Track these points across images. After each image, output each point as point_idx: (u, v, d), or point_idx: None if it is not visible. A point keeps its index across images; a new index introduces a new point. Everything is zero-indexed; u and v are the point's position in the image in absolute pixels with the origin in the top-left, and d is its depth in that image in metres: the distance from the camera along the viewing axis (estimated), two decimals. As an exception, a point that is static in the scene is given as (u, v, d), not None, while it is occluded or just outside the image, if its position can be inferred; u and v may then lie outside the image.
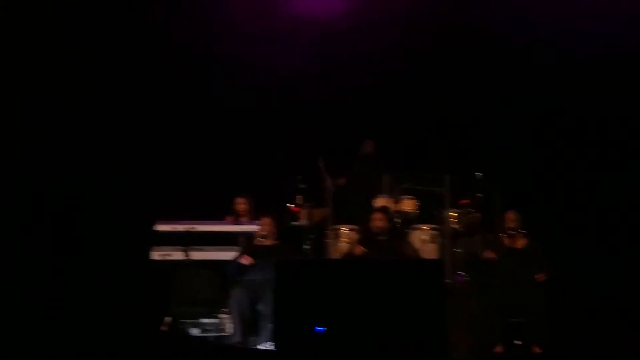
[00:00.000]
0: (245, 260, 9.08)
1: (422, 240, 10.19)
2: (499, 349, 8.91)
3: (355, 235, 10.17)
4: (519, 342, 8.98)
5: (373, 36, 11.18)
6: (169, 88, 10.96)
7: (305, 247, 10.15)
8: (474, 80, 11.29)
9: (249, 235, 9.78)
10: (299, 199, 10.47)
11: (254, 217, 10.07)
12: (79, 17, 10.45)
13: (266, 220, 9.34)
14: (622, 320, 9.21)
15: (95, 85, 10.70)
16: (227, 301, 9.30)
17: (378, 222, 9.51)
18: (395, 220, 10.17)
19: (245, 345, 8.90)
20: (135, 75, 10.81)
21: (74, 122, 10.51)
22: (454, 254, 10.32)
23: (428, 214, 10.56)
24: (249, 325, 9.07)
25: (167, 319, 9.15)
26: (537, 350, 8.82)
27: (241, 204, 10.33)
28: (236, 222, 10.11)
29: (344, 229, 10.33)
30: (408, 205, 10.48)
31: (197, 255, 9.74)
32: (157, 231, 9.14)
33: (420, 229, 10.29)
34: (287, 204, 10.43)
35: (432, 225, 10.34)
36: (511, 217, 9.59)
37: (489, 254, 9.40)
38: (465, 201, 10.52)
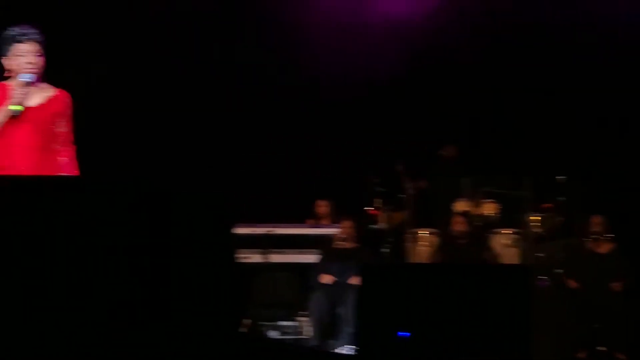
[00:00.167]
0: (326, 280, 9.06)
1: (503, 244, 10.06)
2: (581, 354, 8.78)
3: (434, 239, 10.10)
4: (603, 349, 8.84)
5: (449, 36, 11.10)
6: (250, 90, 11.01)
7: (384, 250, 10.11)
8: (554, 79, 11.11)
9: (329, 238, 9.78)
10: (378, 202, 10.45)
11: (334, 220, 10.07)
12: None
13: (346, 223, 9.31)
14: None
15: (174, 85, 10.82)
16: (306, 304, 9.30)
17: (458, 226, 9.42)
18: (476, 224, 10.06)
19: (324, 349, 8.88)
20: (216, 77, 10.89)
21: (154, 125, 10.65)
22: (536, 259, 10.18)
23: (509, 217, 10.42)
24: (328, 329, 9.05)
25: (246, 321, 9.18)
26: (621, 357, 8.68)
27: (322, 206, 10.36)
28: (316, 225, 10.13)
29: (423, 233, 10.25)
30: (489, 208, 10.36)
31: (277, 258, 9.80)
32: (237, 234, 9.17)
33: (501, 233, 10.16)
34: (366, 207, 10.41)
35: (514, 230, 10.21)
36: (596, 221, 9.43)
37: (572, 284, 9.28)
38: (547, 205, 10.37)
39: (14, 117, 5.09)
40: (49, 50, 5.28)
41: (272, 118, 11.08)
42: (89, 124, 5.79)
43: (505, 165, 10.81)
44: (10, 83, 5.21)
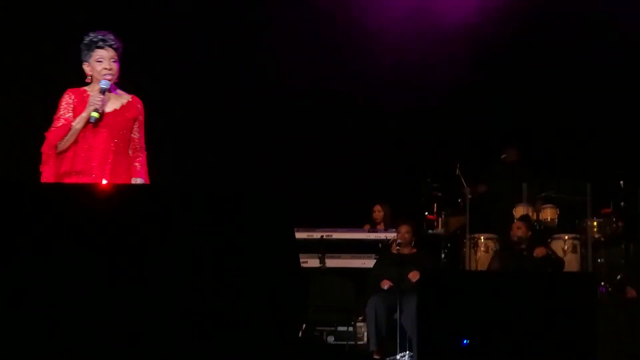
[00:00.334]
0: (385, 285, 8.99)
1: (563, 249, 9.93)
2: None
3: (493, 244, 10.00)
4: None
5: (509, 39, 11.00)
6: (309, 95, 11.00)
7: (442, 256, 10.03)
8: (616, 81, 10.95)
9: (385, 243, 9.73)
10: (436, 207, 10.38)
11: (389, 225, 10.02)
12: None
13: (404, 228, 9.23)
14: None
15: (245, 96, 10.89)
16: (363, 309, 9.24)
17: (519, 231, 9.30)
18: (536, 229, 9.94)
19: (381, 355, 8.82)
20: (277, 83, 10.91)
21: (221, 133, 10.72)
22: (596, 265, 10.04)
23: (569, 223, 10.29)
24: (385, 334, 8.98)
25: (303, 326, 9.15)
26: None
27: (378, 211, 10.32)
28: (373, 230, 10.09)
29: (482, 238, 10.14)
30: (548, 213, 10.24)
31: (333, 262, 9.77)
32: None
33: (561, 238, 10.03)
34: (424, 212, 10.35)
35: (573, 235, 10.08)
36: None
37: (631, 293, 9.12)
38: (607, 210, 10.23)
39: (92, 123, 5.13)
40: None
41: (331, 123, 11.06)
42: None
43: (565, 170, 10.67)
44: (87, 89, 5.29)
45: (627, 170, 10.30)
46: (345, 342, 9.43)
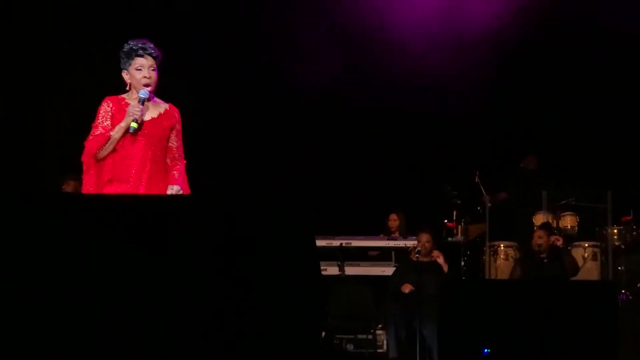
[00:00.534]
0: (406, 289, 8.97)
1: (583, 257, 9.90)
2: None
3: (513, 252, 9.97)
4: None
5: (529, 46, 10.98)
6: (329, 104, 11.01)
7: (461, 263, 10.01)
8: (636, 92, 10.92)
9: (404, 251, 9.71)
10: (455, 214, 10.36)
11: (404, 234, 10.02)
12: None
13: (425, 237, 9.21)
14: None
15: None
16: (383, 317, 9.23)
17: (540, 240, 9.27)
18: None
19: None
20: (294, 92, 10.93)
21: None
22: (616, 272, 9.99)
23: (589, 230, 10.26)
24: (405, 343, 8.96)
25: (322, 334, 9.15)
26: None
27: (394, 220, 10.30)
28: (392, 238, 10.08)
29: (502, 246, 10.12)
30: (568, 221, 10.20)
31: (353, 270, 9.76)
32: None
33: (581, 246, 10.00)
34: (444, 220, 10.34)
35: (593, 242, 10.04)
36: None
37: None
38: (627, 217, 10.18)
39: (131, 133, 5.16)
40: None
41: (350, 131, 11.07)
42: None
43: (585, 177, 10.63)
44: (125, 96, 5.31)
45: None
46: (364, 350, 9.42)
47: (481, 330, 6.53)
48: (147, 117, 5.24)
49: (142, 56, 5.21)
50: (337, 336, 9.54)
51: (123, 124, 5.14)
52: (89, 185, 5.16)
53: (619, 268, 10.06)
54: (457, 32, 10.60)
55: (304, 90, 10.88)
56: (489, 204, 10.33)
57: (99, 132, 5.18)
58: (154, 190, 5.19)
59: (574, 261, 9.38)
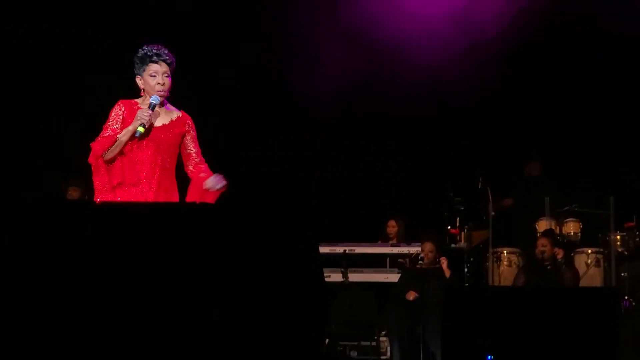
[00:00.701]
0: (411, 297, 8.98)
1: (586, 263, 9.90)
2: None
3: (517, 259, 9.97)
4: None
5: (531, 52, 10.99)
6: (332, 111, 11.01)
7: (465, 270, 10.01)
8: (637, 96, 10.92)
9: (406, 258, 9.71)
10: (458, 221, 10.37)
11: (403, 240, 10.03)
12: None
13: (429, 247, 9.19)
14: None
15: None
16: (386, 323, 9.23)
17: (543, 247, 9.27)
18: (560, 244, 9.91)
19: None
20: (296, 98, 10.94)
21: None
22: (619, 279, 9.99)
23: (592, 237, 10.25)
24: (408, 349, 8.97)
25: (326, 340, 9.16)
26: None
27: (392, 226, 10.31)
28: (395, 244, 10.09)
29: (505, 252, 10.12)
30: (571, 227, 10.19)
31: (356, 277, 9.77)
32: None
33: (584, 252, 9.99)
34: (447, 226, 10.34)
35: (596, 249, 10.03)
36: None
37: None
38: (630, 224, 10.18)
39: (137, 137, 5.15)
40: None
41: (353, 136, 11.08)
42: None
43: (588, 183, 10.64)
44: (138, 101, 5.30)
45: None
46: (368, 357, 9.43)
47: (484, 336, 6.55)
48: (158, 124, 5.24)
49: (156, 62, 5.19)
50: (341, 343, 9.54)
51: (130, 128, 5.13)
52: (99, 187, 5.15)
53: (622, 274, 10.05)
54: (461, 37, 10.60)
55: (306, 96, 10.89)
56: (493, 213, 10.32)
57: (106, 134, 5.17)
58: (163, 197, 5.19)
59: (573, 276, 9.37)
